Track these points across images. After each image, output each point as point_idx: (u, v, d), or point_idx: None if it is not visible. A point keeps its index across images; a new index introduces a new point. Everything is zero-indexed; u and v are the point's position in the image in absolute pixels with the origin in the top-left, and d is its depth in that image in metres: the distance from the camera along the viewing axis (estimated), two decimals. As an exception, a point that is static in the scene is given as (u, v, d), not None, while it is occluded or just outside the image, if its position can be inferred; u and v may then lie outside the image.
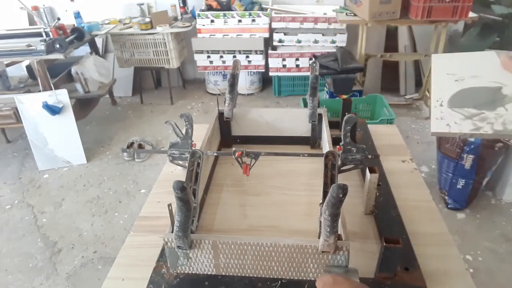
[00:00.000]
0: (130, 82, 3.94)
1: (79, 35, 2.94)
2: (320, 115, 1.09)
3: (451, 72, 1.08)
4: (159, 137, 3.14)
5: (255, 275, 0.73)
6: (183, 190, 0.62)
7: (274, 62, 3.43)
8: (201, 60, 3.56)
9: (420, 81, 3.51)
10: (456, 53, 1.15)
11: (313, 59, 2.97)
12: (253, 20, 3.29)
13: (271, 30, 3.38)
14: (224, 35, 3.39)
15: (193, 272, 0.75)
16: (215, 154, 1.04)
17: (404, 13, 2.75)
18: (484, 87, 0.99)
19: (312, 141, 1.14)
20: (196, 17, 3.33)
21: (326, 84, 2.95)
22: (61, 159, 2.80)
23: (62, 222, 2.29)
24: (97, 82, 3.08)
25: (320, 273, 0.70)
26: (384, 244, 0.67)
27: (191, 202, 0.66)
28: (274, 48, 3.47)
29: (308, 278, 0.72)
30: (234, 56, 3.47)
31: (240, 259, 0.71)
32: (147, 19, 3.25)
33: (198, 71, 3.73)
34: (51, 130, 2.72)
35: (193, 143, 0.93)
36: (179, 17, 3.52)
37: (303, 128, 1.13)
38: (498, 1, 3.25)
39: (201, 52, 3.51)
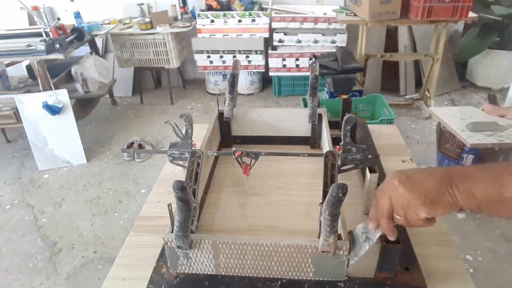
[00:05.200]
0: (130, 82, 3.94)
1: (79, 35, 2.94)
2: (320, 115, 1.09)
3: (454, 115, 1.53)
4: (159, 137, 3.14)
5: (255, 275, 0.73)
6: (183, 190, 0.62)
7: (274, 62, 3.43)
8: (201, 60, 3.56)
9: (420, 81, 3.51)
10: (445, 107, 1.61)
11: (313, 59, 2.97)
12: (253, 20, 3.29)
13: (271, 30, 3.38)
14: (224, 35, 3.39)
15: (193, 272, 0.75)
16: (215, 154, 1.04)
17: (404, 13, 2.75)
18: (485, 121, 1.40)
19: (312, 141, 1.14)
20: (196, 17, 3.33)
21: (326, 84, 2.95)
22: (61, 159, 2.80)
23: (62, 222, 2.28)
24: (97, 82, 3.08)
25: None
26: (384, 244, 0.67)
27: (191, 202, 0.66)
28: (274, 48, 3.47)
29: (308, 278, 0.72)
30: (234, 56, 3.47)
31: (240, 259, 0.71)
32: (147, 19, 3.25)
33: (198, 71, 3.73)
34: (51, 130, 2.71)
35: (193, 143, 0.94)
36: (179, 17, 3.52)
37: (303, 128, 1.13)
38: (498, 1, 3.25)
39: (201, 52, 3.51)
